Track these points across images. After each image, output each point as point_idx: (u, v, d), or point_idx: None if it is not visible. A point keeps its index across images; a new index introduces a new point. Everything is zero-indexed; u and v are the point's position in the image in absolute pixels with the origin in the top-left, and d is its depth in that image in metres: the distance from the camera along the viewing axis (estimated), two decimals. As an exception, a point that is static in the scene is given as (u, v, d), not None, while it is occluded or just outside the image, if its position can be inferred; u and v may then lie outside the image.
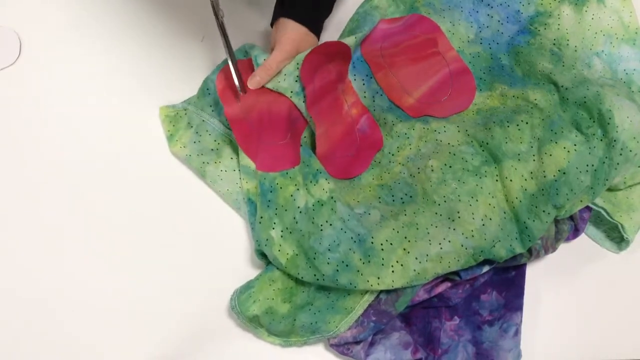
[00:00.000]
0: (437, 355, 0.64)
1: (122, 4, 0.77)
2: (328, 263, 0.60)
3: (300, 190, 0.64)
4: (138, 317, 0.64)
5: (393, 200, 0.65)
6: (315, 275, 0.61)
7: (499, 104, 0.72)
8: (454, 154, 0.67)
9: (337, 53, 0.69)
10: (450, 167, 0.66)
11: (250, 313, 0.61)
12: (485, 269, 0.64)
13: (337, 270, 0.60)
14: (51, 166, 0.69)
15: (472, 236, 0.62)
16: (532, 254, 0.66)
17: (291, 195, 0.63)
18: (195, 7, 0.78)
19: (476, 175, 0.65)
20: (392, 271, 0.60)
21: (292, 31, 0.67)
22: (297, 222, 0.62)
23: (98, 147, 0.71)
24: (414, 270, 0.60)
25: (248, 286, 0.63)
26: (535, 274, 0.70)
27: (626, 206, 0.70)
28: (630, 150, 0.64)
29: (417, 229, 0.62)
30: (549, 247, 0.67)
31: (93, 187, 0.69)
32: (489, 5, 0.76)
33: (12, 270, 0.65)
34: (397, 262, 0.60)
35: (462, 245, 0.62)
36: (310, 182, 0.65)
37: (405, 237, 0.62)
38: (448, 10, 0.76)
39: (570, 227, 0.68)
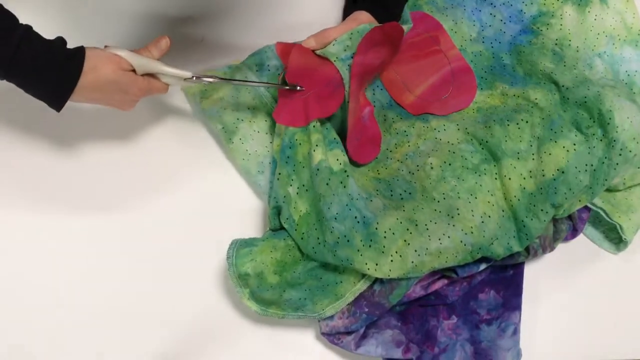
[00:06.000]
0: (433, 352, 0.64)
1: (122, 4, 0.77)
2: (331, 232, 0.60)
3: (315, 149, 0.63)
4: (137, 316, 0.64)
5: (392, 196, 0.65)
6: (318, 238, 0.61)
7: (499, 102, 0.72)
8: (454, 152, 0.67)
9: (393, 39, 0.68)
10: (449, 164, 0.66)
11: (243, 269, 0.60)
12: (482, 266, 0.64)
13: (338, 243, 0.60)
14: (50, 165, 0.69)
15: (472, 233, 0.62)
16: (530, 252, 0.66)
17: (308, 153, 0.63)
18: (195, 8, 0.78)
19: (475, 173, 0.65)
20: (391, 260, 0.60)
21: (365, 18, 0.67)
22: (312, 181, 0.62)
23: (97, 144, 0.70)
24: (412, 262, 0.60)
25: (251, 243, 0.62)
26: (534, 273, 0.70)
27: (625, 207, 0.70)
28: (630, 151, 0.64)
29: (417, 225, 0.62)
30: (547, 246, 0.67)
31: (92, 186, 0.69)
32: (491, 4, 0.76)
33: (10, 271, 0.65)
34: (396, 252, 0.60)
35: (460, 242, 0.62)
36: (327, 146, 0.64)
37: (407, 229, 0.62)
38: (451, 8, 0.76)
39: (568, 226, 0.68)
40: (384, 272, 0.60)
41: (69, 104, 0.58)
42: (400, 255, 0.60)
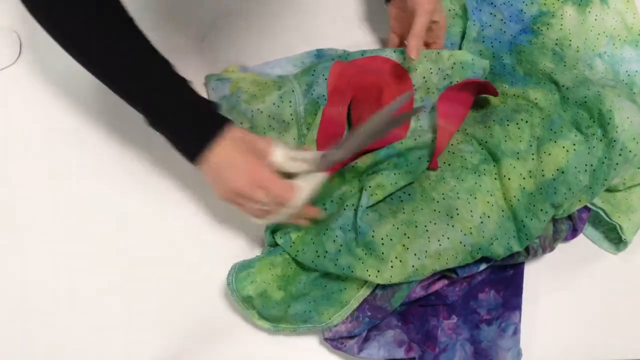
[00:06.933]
0: (434, 352, 0.64)
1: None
2: (334, 241, 0.61)
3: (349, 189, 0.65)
4: (138, 317, 0.65)
5: (392, 199, 0.65)
6: (317, 251, 0.61)
7: (499, 102, 0.72)
8: (453, 153, 0.67)
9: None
10: (449, 165, 0.66)
11: (245, 292, 0.61)
12: (483, 266, 0.64)
13: (340, 251, 0.60)
14: (50, 165, 0.69)
15: (471, 233, 0.62)
16: (530, 252, 0.66)
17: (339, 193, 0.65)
18: (195, 8, 0.78)
19: (475, 173, 0.65)
20: (391, 266, 0.60)
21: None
22: (326, 207, 0.64)
23: (97, 146, 0.70)
24: (413, 266, 0.61)
25: (248, 265, 0.63)
26: (534, 273, 0.70)
27: (625, 207, 0.70)
28: (630, 151, 0.64)
29: (416, 226, 0.62)
30: (547, 246, 0.67)
31: (90, 186, 0.69)
32: (492, 4, 0.76)
33: (10, 271, 0.65)
34: (396, 257, 0.61)
35: (460, 242, 0.62)
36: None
37: (405, 234, 0.62)
38: (451, 8, 0.76)
39: (568, 226, 0.68)
40: (385, 278, 0.60)
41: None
42: (400, 261, 0.61)
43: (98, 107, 0.72)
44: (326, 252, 0.61)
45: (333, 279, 0.63)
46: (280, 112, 0.68)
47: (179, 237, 0.68)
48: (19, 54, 0.74)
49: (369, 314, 0.63)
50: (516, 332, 0.66)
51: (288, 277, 0.63)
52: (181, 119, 0.55)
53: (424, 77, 0.69)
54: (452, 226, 0.62)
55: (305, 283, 0.63)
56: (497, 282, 0.68)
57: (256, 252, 0.67)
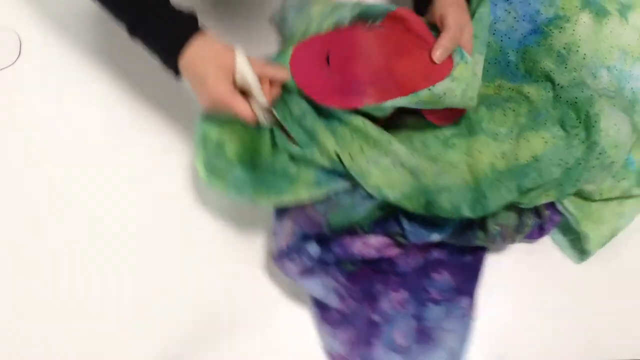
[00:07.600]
0: (370, 310, 0.64)
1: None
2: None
3: None
4: (139, 317, 0.66)
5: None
6: (298, 107, 0.61)
7: (492, 93, 0.72)
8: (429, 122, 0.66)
9: None
10: (420, 129, 0.66)
11: (206, 133, 0.61)
12: (434, 236, 0.64)
13: (311, 115, 0.61)
14: (50, 165, 0.70)
15: (425, 174, 0.61)
16: (488, 237, 0.65)
17: None
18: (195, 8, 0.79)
19: (443, 145, 0.64)
20: (339, 153, 0.60)
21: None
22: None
23: (96, 147, 0.71)
24: (359, 166, 0.60)
25: (223, 115, 0.61)
26: (532, 273, 0.70)
27: (597, 218, 0.69)
28: (608, 157, 0.63)
29: (376, 143, 0.62)
30: (508, 236, 0.66)
31: (90, 187, 0.70)
32: (507, 1, 0.76)
33: (12, 274, 0.67)
34: (349, 154, 0.61)
35: (411, 174, 0.61)
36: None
37: (367, 138, 0.61)
38: None
39: (534, 223, 0.67)
40: (329, 148, 0.60)
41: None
42: (351, 156, 0.60)
43: (98, 106, 0.73)
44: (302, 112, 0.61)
45: (284, 179, 0.61)
46: (322, 22, 0.65)
47: (180, 238, 0.69)
48: (19, 54, 0.74)
49: (303, 225, 0.63)
50: (464, 317, 0.66)
51: (251, 149, 0.62)
52: (156, 26, 0.56)
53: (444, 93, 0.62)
54: (410, 157, 0.62)
55: (261, 161, 0.62)
56: (453, 265, 0.68)
57: (259, 256, 0.68)
